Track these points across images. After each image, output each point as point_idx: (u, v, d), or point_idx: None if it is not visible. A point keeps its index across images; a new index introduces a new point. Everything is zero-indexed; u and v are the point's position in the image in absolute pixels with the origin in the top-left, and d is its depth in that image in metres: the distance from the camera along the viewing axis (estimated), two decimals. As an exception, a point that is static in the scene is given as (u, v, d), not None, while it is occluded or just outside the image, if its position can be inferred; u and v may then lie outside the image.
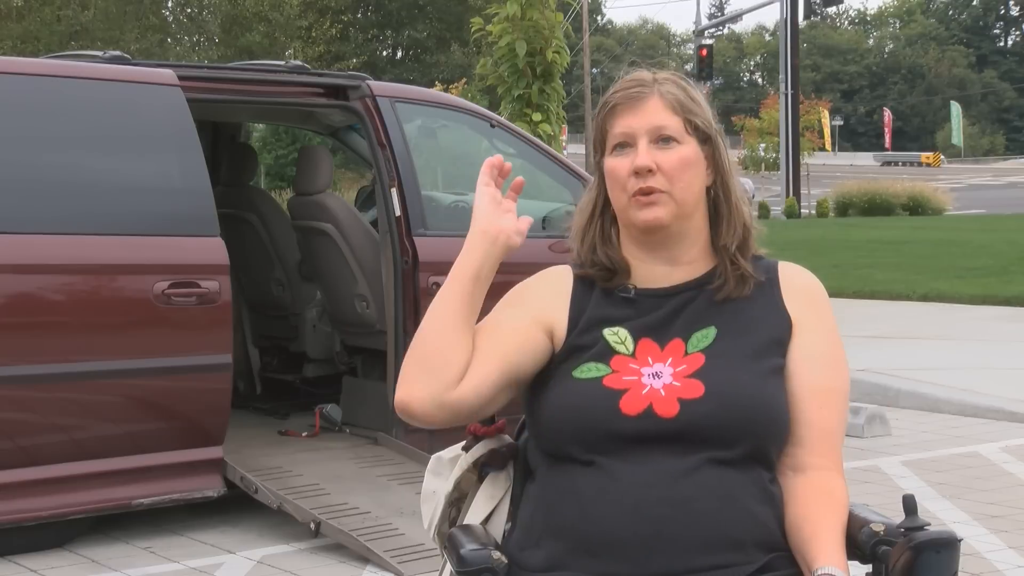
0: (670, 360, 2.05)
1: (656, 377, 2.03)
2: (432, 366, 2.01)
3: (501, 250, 2.08)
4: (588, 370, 2.05)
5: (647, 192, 2.06)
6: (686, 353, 2.06)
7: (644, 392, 2.01)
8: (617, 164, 2.09)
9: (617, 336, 2.08)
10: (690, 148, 2.08)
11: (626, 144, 2.09)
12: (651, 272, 2.13)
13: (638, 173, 2.06)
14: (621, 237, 2.15)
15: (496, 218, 2.08)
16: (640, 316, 2.10)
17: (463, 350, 2.03)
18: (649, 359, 2.06)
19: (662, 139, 2.07)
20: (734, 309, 2.10)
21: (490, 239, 2.07)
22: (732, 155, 2.22)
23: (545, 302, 2.13)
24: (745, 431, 2.00)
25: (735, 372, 2.03)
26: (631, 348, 2.07)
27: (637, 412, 1.99)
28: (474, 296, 2.07)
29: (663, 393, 2.01)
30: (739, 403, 2.00)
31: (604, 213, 2.16)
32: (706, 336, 2.07)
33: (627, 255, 2.14)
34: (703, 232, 2.13)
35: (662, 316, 2.09)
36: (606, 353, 2.06)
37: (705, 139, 2.11)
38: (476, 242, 2.07)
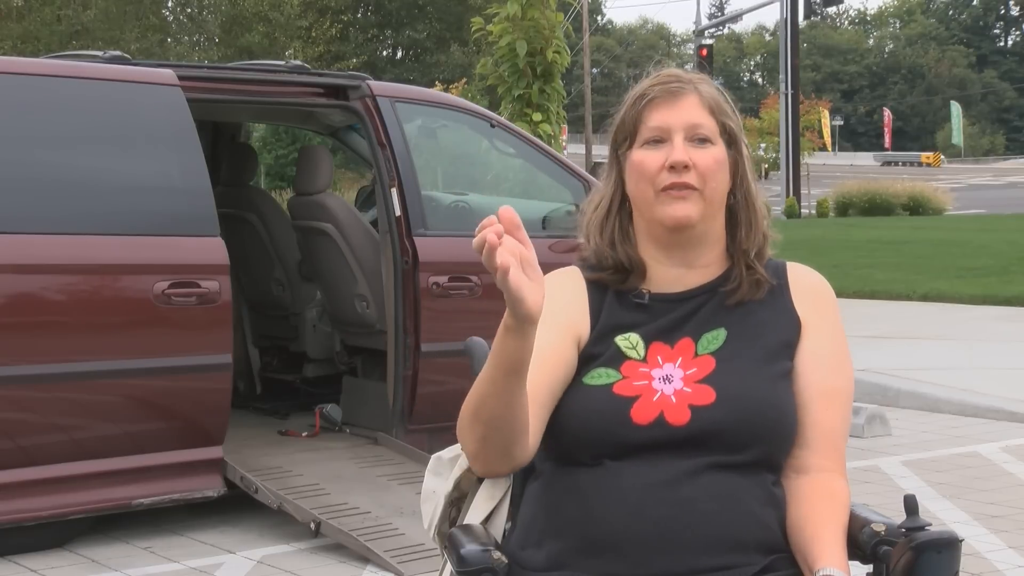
0: (680, 360, 2.05)
1: (667, 381, 2.02)
2: (508, 451, 1.94)
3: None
4: (598, 376, 2.04)
5: (680, 187, 2.04)
6: (696, 354, 2.05)
7: (655, 399, 2.00)
8: (648, 157, 2.06)
9: (628, 341, 2.07)
10: (720, 151, 2.07)
11: (659, 139, 2.07)
12: (665, 274, 2.11)
13: (673, 168, 2.04)
14: (638, 235, 2.13)
15: (539, 297, 1.75)
16: (652, 320, 2.09)
17: (528, 426, 1.94)
18: (659, 358, 2.05)
19: (698, 138, 2.06)
20: (744, 311, 2.09)
21: (534, 324, 1.77)
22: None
23: (568, 309, 2.09)
24: (755, 437, 1.99)
25: (746, 377, 2.02)
26: (642, 353, 2.06)
27: (648, 421, 1.99)
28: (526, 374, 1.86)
29: (674, 400, 2.00)
30: (750, 408, 1.99)
31: (622, 209, 2.14)
32: (716, 338, 2.07)
33: (643, 255, 2.12)
34: (722, 237, 2.12)
35: (674, 319, 2.09)
36: (617, 358, 2.05)
37: (731, 143, 2.10)
38: (524, 330, 1.77)
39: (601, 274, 2.13)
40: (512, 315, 1.75)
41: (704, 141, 2.06)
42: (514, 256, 1.69)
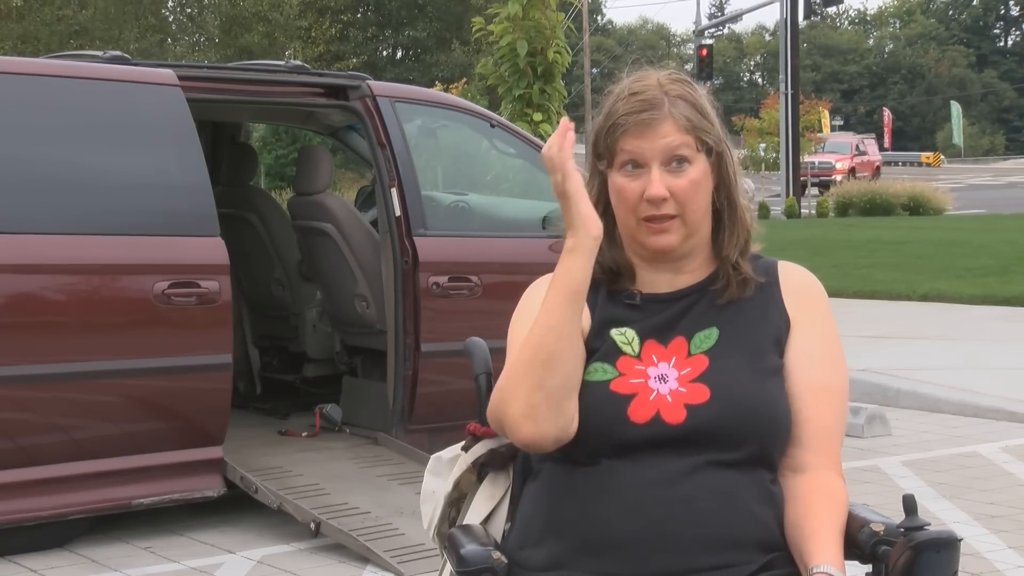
0: (674, 360, 2.05)
1: (662, 380, 2.03)
2: (562, 403, 1.96)
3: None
4: (595, 371, 2.05)
5: (659, 219, 2.04)
6: (689, 353, 2.06)
7: (651, 398, 2.01)
8: (627, 186, 2.05)
9: (624, 336, 2.08)
10: (700, 166, 2.06)
11: (636, 164, 2.05)
12: (655, 278, 2.12)
13: (651, 201, 2.04)
14: (624, 242, 2.13)
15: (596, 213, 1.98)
16: (646, 319, 2.10)
17: (580, 374, 2.01)
18: (653, 357, 2.06)
19: (675, 160, 2.04)
20: (735, 310, 2.10)
21: (598, 241, 1.98)
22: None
23: None
24: (750, 433, 2.00)
25: (738, 374, 2.03)
26: (637, 349, 2.07)
27: (645, 420, 2.00)
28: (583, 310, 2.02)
29: (670, 399, 2.01)
30: (744, 405, 2.00)
31: (606, 214, 2.13)
32: (708, 337, 2.08)
33: (630, 259, 2.13)
34: (708, 242, 2.13)
35: (667, 318, 2.10)
36: (612, 353, 2.06)
37: (711, 151, 2.09)
38: (590, 247, 1.96)
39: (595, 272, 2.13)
40: (576, 237, 1.94)
41: (682, 162, 2.04)
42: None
